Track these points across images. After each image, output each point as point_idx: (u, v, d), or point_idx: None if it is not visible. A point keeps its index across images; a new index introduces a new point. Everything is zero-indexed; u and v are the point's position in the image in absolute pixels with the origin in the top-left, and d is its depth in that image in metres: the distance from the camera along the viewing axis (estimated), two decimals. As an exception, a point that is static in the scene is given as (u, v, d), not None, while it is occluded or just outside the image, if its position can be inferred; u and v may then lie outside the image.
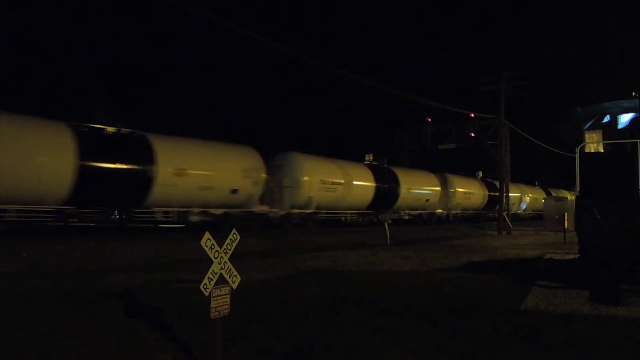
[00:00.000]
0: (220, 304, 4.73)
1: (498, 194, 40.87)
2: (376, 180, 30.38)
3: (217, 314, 4.70)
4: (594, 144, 11.60)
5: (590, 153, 11.24)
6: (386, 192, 31.30)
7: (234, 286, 4.91)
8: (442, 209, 37.55)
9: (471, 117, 35.63)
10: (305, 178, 25.07)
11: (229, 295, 4.83)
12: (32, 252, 11.95)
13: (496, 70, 29.48)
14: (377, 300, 7.96)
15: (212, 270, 4.69)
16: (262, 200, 23.28)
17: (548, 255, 14.96)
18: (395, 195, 32.16)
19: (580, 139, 11.31)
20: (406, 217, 33.76)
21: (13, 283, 8.66)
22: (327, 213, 27.43)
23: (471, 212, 42.65)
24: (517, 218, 45.93)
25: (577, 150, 9.85)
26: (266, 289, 8.79)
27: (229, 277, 4.86)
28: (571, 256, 13.76)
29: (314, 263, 12.60)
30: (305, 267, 11.90)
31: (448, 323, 6.61)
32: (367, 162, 33.64)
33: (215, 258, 4.71)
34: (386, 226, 19.58)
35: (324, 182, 26.01)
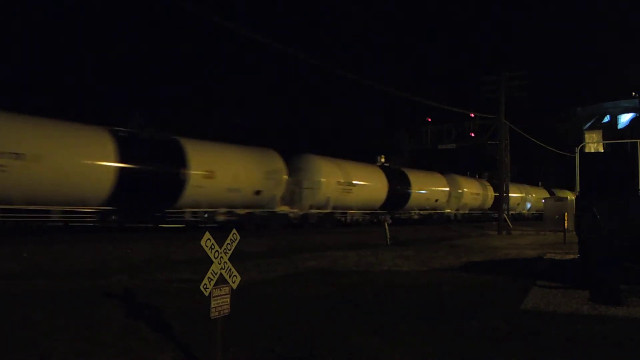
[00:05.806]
0: (220, 304, 4.73)
1: (404, 186, 34.57)
2: (122, 162, 17.50)
3: (217, 314, 4.71)
4: (594, 144, 11.61)
5: (590, 153, 11.26)
6: (146, 181, 18.30)
7: (234, 286, 4.91)
8: (291, 207, 25.04)
9: (471, 117, 35.68)
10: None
11: (229, 295, 4.84)
12: (32, 252, 11.94)
13: (496, 70, 29.52)
14: (377, 300, 7.96)
15: (212, 270, 4.69)
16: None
17: (548, 255, 14.96)
18: (180, 185, 19.01)
19: (580, 139, 11.33)
20: (221, 217, 21.39)
21: (13, 283, 8.66)
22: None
23: (360, 212, 30.22)
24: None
25: (577, 150, 9.86)
26: (266, 289, 8.79)
27: (229, 277, 4.86)
28: (571, 256, 13.75)
29: (314, 263, 12.59)
30: (305, 267, 11.90)
31: (448, 323, 6.61)
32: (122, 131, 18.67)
33: (215, 258, 4.71)
34: (386, 226, 19.58)
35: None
